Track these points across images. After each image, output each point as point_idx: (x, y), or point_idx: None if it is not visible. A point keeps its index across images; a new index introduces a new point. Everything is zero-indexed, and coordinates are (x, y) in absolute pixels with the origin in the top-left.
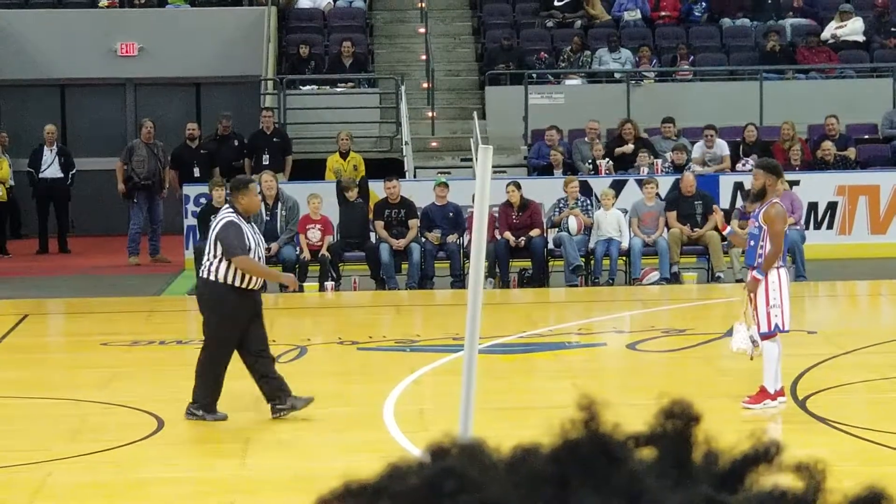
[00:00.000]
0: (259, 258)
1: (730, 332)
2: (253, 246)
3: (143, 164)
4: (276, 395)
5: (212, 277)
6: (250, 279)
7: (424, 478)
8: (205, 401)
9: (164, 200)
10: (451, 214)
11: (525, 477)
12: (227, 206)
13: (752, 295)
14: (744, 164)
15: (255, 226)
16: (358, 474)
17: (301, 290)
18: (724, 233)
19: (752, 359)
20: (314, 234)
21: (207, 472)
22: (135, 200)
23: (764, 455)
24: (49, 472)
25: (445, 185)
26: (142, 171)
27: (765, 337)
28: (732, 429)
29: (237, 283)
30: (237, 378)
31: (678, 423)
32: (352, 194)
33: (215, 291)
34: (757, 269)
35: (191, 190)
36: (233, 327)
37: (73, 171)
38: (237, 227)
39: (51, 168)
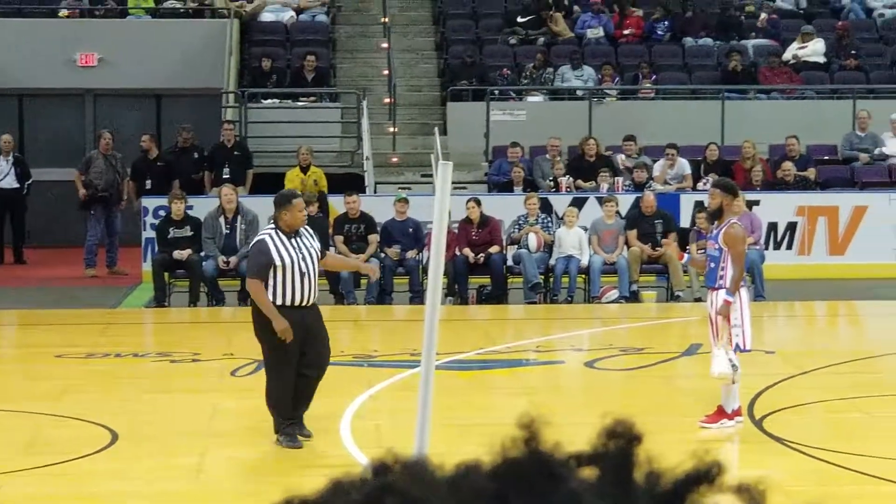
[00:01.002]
0: (303, 273)
1: (689, 352)
2: (288, 262)
3: (101, 176)
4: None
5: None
6: (293, 295)
7: (365, 494)
8: (281, 427)
9: (122, 212)
10: (410, 230)
11: (466, 494)
12: (270, 222)
13: (717, 318)
14: (705, 183)
15: (305, 238)
16: (306, 490)
17: (288, 339)
18: (682, 262)
19: (733, 382)
20: None
21: (161, 485)
22: (92, 212)
23: (706, 475)
24: (0, 484)
25: (405, 200)
26: (100, 182)
27: None
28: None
29: (278, 301)
30: (190, 392)
31: (620, 442)
32: (312, 209)
33: (258, 311)
34: (727, 293)
35: (150, 202)
36: (284, 346)
37: (29, 182)
38: (263, 247)
39: (7, 178)
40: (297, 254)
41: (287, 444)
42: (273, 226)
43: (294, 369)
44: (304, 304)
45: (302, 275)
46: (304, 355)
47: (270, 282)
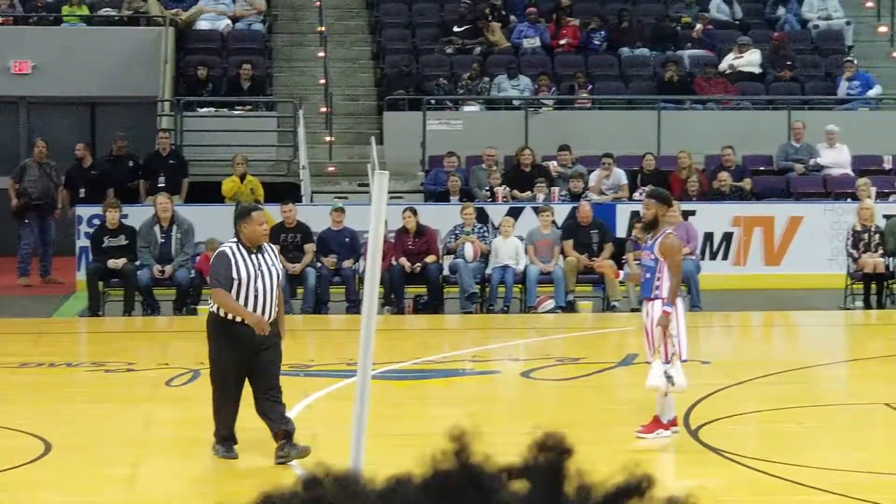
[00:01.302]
0: (259, 290)
1: (625, 362)
2: (244, 277)
3: (35, 184)
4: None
5: (211, 308)
6: (246, 307)
7: None
8: (218, 435)
9: (56, 221)
10: (346, 239)
11: None
12: (234, 235)
13: (652, 328)
14: (641, 193)
15: (267, 256)
16: (236, 501)
17: (264, 332)
18: (619, 279)
19: (665, 395)
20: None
21: (96, 496)
22: (26, 220)
23: (636, 488)
24: None
25: (342, 210)
26: (34, 190)
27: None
28: (624, 459)
29: (229, 316)
30: (124, 402)
31: (551, 455)
32: None
33: (210, 322)
34: (665, 304)
35: (84, 211)
36: (228, 359)
37: None
38: (224, 259)
39: None
40: (255, 271)
41: (222, 454)
42: (235, 239)
43: (235, 383)
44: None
45: (258, 292)
46: (254, 375)
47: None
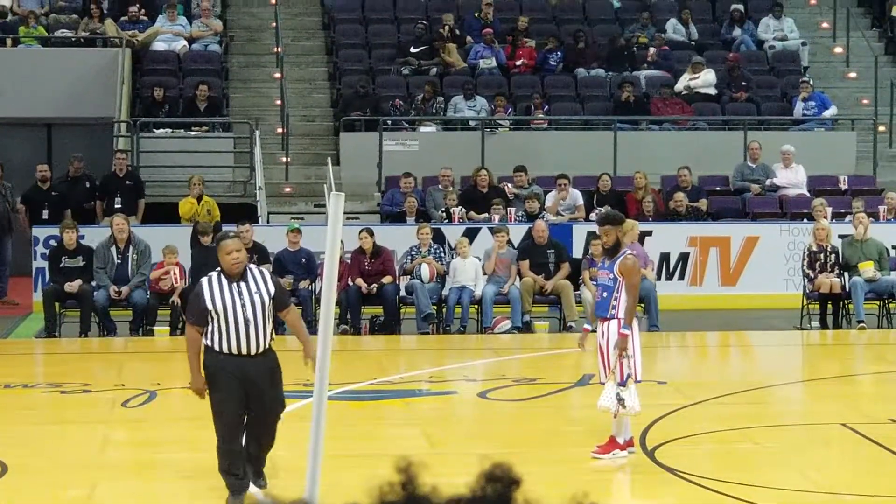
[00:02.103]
0: (244, 320)
1: (581, 382)
2: (220, 308)
3: None
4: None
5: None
6: (229, 342)
7: None
8: (221, 469)
9: (12, 242)
10: (303, 260)
11: None
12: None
13: (607, 348)
14: (597, 214)
15: (252, 284)
16: None
17: (199, 396)
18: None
19: (615, 416)
20: (167, 281)
21: None
22: None
23: None
24: None
25: (298, 230)
26: None
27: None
28: (581, 479)
29: (215, 347)
30: (80, 423)
31: (498, 486)
32: (207, 239)
33: (205, 354)
34: (623, 326)
35: (41, 232)
36: (218, 392)
37: None
38: (198, 292)
39: None
40: (238, 299)
41: (228, 483)
42: (219, 268)
43: (235, 420)
44: (244, 353)
45: (243, 322)
46: (249, 413)
47: (208, 328)
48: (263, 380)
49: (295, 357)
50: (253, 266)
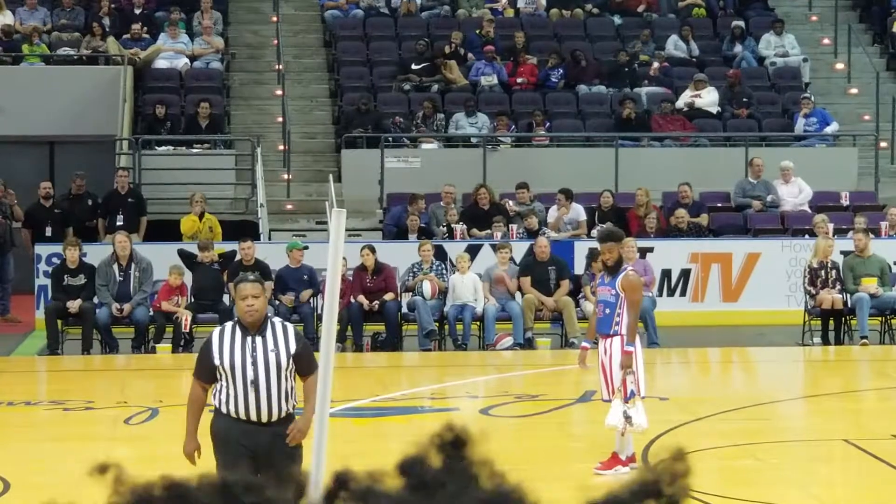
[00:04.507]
0: (251, 382)
1: (583, 398)
2: (228, 365)
3: None
4: None
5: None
6: (236, 405)
7: None
8: None
9: (15, 259)
10: (305, 277)
11: None
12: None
13: (611, 365)
14: (598, 231)
15: (270, 339)
16: None
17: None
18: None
19: (622, 434)
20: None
21: None
22: None
23: None
24: None
25: (302, 248)
26: None
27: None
28: (583, 496)
29: (222, 409)
30: (83, 440)
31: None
32: (209, 255)
33: (214, 415)
34: (627, 343)
35: (43, 249)
36: (223, 459)
37: None
38: (206, 344)
39: None
40: (249, 356)
41: None
42: (236, 318)
43: None
44: (253, 419)
45: (248, 385)
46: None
47: (217, 385)
48: (277, 453)
49: None
50: (277, 320)
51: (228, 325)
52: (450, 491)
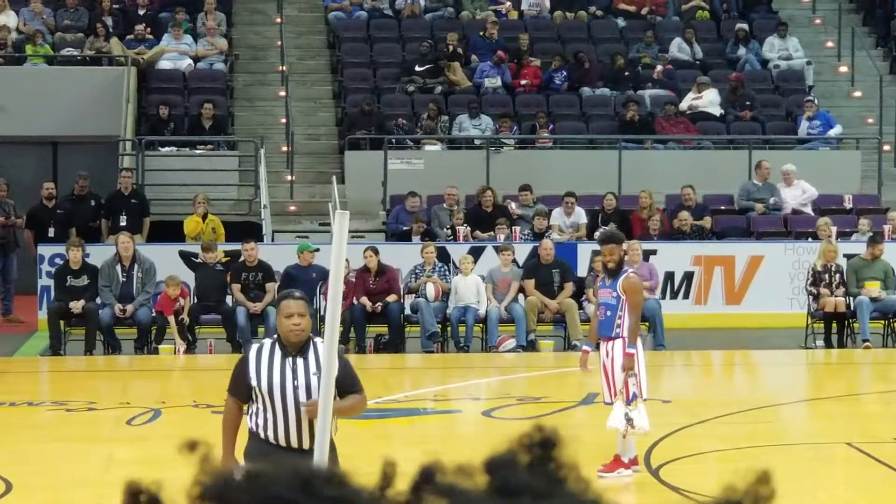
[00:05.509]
0: (287, 408)
1: (586, 401)
2: (266, 387)
3: None
4: None
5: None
6: (273, 431)
7: None
8: None
9: (17, 259)
10: (314, 275)
11: None
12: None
13: (612, 368)
14: (599, 233)
15: (312, 362)
16: None
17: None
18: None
19: (624, 437)
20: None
21: None
22: None
23: None
24: None
25: (314, 251)
26: None
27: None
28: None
29: (259, 431)
30: (85, 441)
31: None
32: (213, 256)
33: (249, 438)
34: (628, 346)
35: (46, 250)
36: None
37: None
38: (241, 361)
39: None
40: (291, 380)
41: None
42: (275, 335)
43: None
44: (294, 446)
45: (294, 409)
46: None
47: (253, 407)
48: None
49: None
50: (319, 339)
51: (267, 342)
52: (535, 495)
